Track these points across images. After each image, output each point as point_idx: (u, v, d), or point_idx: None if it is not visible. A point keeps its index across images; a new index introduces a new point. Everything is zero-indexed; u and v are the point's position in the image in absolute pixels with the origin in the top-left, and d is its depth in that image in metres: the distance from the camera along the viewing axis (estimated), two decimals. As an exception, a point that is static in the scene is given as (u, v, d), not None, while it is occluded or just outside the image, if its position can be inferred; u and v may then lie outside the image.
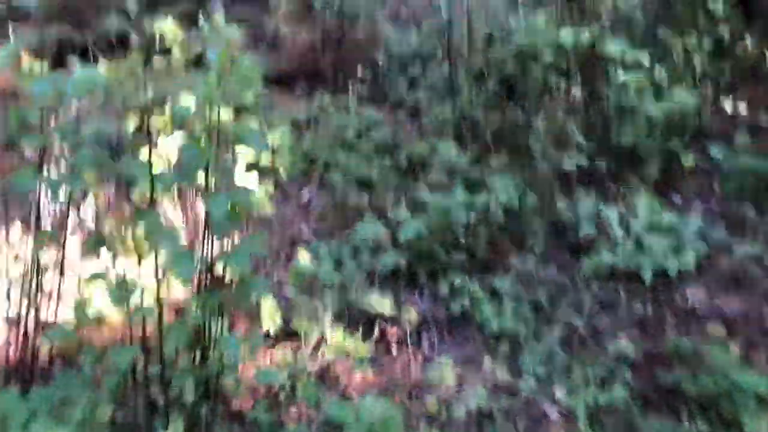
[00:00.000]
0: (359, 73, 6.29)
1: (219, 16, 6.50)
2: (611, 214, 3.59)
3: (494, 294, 3.34)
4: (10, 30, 7.05)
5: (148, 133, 2.41)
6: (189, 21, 7.75)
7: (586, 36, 3.81)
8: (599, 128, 4.16)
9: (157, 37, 3.74)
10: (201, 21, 4.77)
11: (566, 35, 3.92)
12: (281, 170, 3.81)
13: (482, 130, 4.47)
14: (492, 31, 4.70)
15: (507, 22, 4.71)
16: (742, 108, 4.55)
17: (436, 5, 7.81)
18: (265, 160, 3.70)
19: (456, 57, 5.38)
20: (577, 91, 4.23)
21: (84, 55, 7.05)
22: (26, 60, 2.96)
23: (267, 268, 3.75)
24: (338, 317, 3.14)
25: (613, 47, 3.91)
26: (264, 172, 3.77)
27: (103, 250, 2.38)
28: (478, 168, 4.10)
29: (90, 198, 3.32)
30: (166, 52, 3.99)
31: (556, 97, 4.20)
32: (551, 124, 4.05)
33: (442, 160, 4.04)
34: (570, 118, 4.04)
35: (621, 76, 4.04)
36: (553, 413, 2.64)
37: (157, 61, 3.78)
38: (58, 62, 6.43)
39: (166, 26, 3.86)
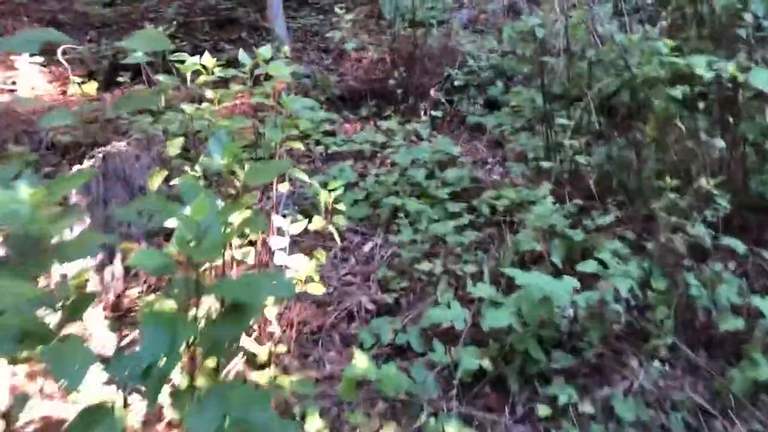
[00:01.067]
0: (432, 92, 5.47)
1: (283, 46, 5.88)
2: (765, 303, 2.68)
3: (611, 415, 2.49)
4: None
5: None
6: (245, 45, 7.12)
7: (728, 67, 2.88)
8: (739, 180, 3.23)
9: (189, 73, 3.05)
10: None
11: (700, 64, 3.01)
12: (340, 221, 3.07)
13: (584, 173, 3.59)
14: (596, 49, 3.80)
15: (612, 39, 3.79)
16: None
17: (523, 11, 6.91)
18: (319, 221, 2.97)
19: (548, 76, 4.49)
20: (709, 132, 3.30)
21: (137, 73, 6.56)
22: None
23: (318, 354, 3.02)
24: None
25: (762, 79, 2.97)
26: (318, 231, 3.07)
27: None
28: (582, 231, 3.23)
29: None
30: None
31: (681, 137, 3.28)
32: (678, 173, 3.14)
33: (536, 215, 3.20)
34: (701, 166, 3.12)
35: (772, 115, 3.09)
36: None
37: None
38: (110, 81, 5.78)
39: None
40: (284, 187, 2.97)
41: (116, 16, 8.11)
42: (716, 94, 2.99)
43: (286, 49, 5.81)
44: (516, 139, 4.62)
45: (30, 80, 6.10)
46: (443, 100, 5.40)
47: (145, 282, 3.26)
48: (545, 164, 3.56)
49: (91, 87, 6.21)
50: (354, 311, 3.30)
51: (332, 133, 5.29)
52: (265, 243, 2.72)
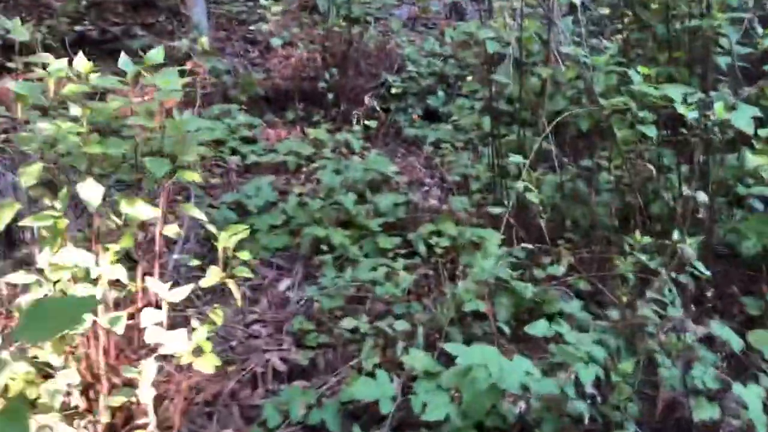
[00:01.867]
0: (366, 99, 4.90)
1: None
2: (748, 393, 2.24)
3: None
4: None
5: None
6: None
7: (715, 105, 2.43)
8: (707, 229, 2.80)
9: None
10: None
11: (676, 96, 2.54)
12: (243, 272, 2.47)
13: (533, 210, 3.10)
14: (553, 66, 3.31)
15: (572, 57, 3.30)
16: None
17: (467, 11, 6.42)
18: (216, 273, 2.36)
19: (497, 87, 3.96)
20: (674, 171, 2.86)
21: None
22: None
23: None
24: None
25: (745, 119, 2.54)
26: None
27: None
28: (532, 284, 2.74)
29: None
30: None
31: (651, 178, 2.83)
32: (642, 220, 2.69)
33: (479, 267, 2.67)
34: (675, 219, 2.67)
35: (751, 159, 2.67)
36: None
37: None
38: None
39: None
40: (171, 231, 2.35)
41: (16, -10, 7.17)
42: (698, 134, 2.53)
43: (205, 40, 5.13)
44: (457, 160, 4.11)
45: None
46: (378, 108, 4.84)
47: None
48: (493, 210, 3.04)
49: (-25, 72, 5.38)
50: (260, 373, 2.71)
51: (252, 140, 4.65)
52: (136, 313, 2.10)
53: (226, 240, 2.36)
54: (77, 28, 6.29)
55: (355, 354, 2.71)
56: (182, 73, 4.89)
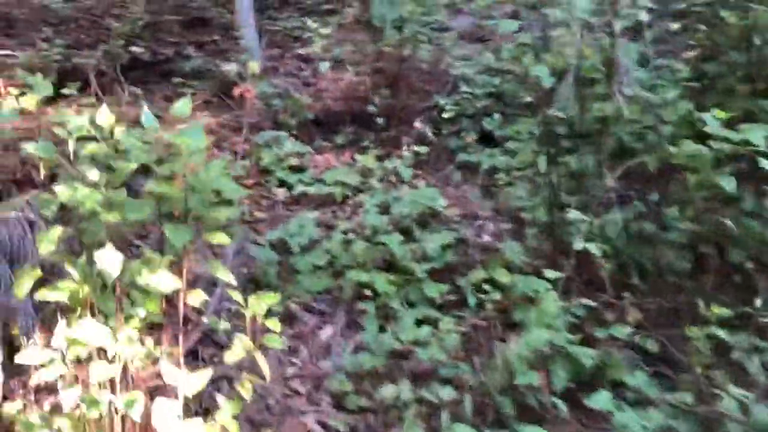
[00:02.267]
0: (417, 123, 4.68)
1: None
2: None
3: None
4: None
5: None
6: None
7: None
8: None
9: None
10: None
11: (758, 140, 2.22)
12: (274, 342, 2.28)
13: (595, 259, 2.81)
14: (613, 96, 3.01)
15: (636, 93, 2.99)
16: None
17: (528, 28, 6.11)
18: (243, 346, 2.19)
19: (553, 109, 3.67)
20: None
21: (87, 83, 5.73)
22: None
23: None
24: None
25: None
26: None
27: None
28: (594, 352, 2.46)
29: None
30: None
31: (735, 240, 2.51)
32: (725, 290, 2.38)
33: (535, 336, 2.42)
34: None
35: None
36: None
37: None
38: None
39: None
40: (197, 300, 2.19)
41: (76, 12, 7.27)
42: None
43: (255, 63, 5.00)
44: (513, 191, 3.84)
45: (-38, 90, 5.29)
46: (429, 132, 4.61)
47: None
48: (550, 273, 2.77)
49: (31, 101, 5.41)
50: (296, 440, 2.54)
51: (300, 168, 4.50)
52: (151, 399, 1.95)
53: (255, 306, 2.19)
54: (132, 49, 6.28)
55: (397, 422, 2.51)
56: (230, 98, 4.77)
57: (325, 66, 4.72)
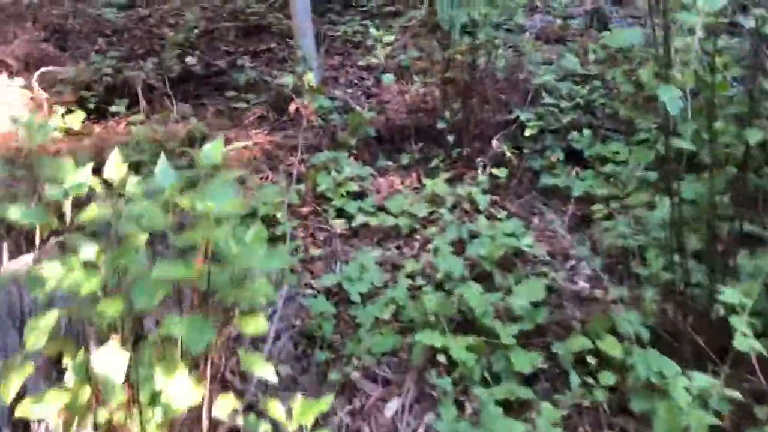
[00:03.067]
0: (495, 142, 4.08)
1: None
2: None
3: None
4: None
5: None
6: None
7: None
8: None
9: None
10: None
11: None
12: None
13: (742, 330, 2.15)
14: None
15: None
16: None
17: (616, 18, 5.44)
18: None
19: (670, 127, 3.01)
20: None
21: (136, 99, 5.35)
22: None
23: None
24: None
25: None
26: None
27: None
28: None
29: None
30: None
31: None
32: None
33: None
34: None
35: None
36: None
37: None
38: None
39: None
40: (224, 411, 1.67)
41: (131, 22, 6.95)
42: None
43: (312, 75, 4.49)
44: (614, 227, 3.20)
45: (9, 108, 4.98)
46: (508, 151, 4.00)
47: None
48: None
49: (77, 119, 5.08)
50: None
51: (361, 194, 3.96)
52: None
53: (301, 417, 1.66)
54: (186, 60, 5.89)
55: None
56: (285, 114, 4.25)
57: (389, 78, 4.17)
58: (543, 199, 3.85)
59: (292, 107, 4.44)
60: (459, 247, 3.37)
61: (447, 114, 4.16)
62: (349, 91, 5.54)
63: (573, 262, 3.26)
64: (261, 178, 4.29)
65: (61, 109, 4.93)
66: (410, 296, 3.01)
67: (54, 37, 6.60)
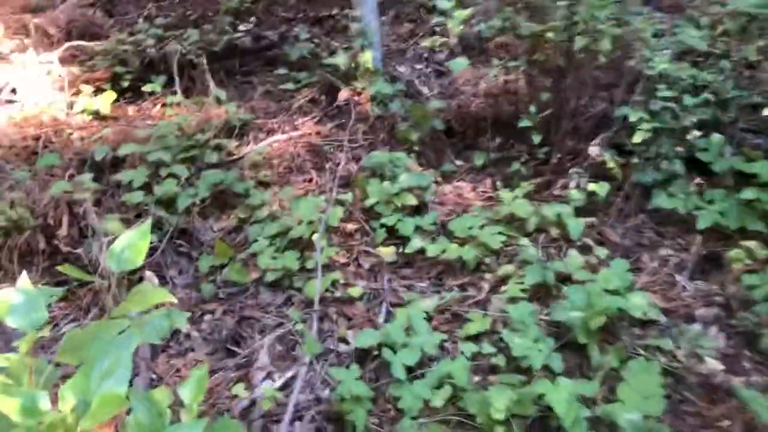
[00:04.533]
0: (593, 149, 3.16)
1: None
2: None
3: None
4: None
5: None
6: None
7: None
8: None
9: None
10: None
11: None
12: None
13: None
14: None
15: None
16: None
17: None
18: None
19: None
20: None
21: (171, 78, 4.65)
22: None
23: None
24: None
25: None
26: None
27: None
28: None
29: None
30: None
31: None
32: None
33: None
34: None
35: None
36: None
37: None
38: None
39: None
40: None
41: (184, -16, 6.26)
42: None
43: (369, 56, 3.68)
44: (761, 284, 2.28)
45: (35, 86, 4.41)
46: (611, 160, 3.07)
47: None
48: None
49: (106, 100, 4.46)
50: None
51: (419, 209, 3.16)
52: None
53: None
54: (240, 28, 5.15)
55: None
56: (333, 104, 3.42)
57: (460, 64, 3.28)
58: (655, 226, 2.94)
59: (341, 95, 3.65)
60: (542, 295, 2.54)
61: (533, 108, 3.25)
62: (418, 67, 4.68)
63: (698, 327, 2.37)
64: (305, 180, 3.55)
65: (90, 88, 4.33)
66: (472, 370, 2.23)
67: (101, 1, 6.00)
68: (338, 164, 3.60)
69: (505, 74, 3.45)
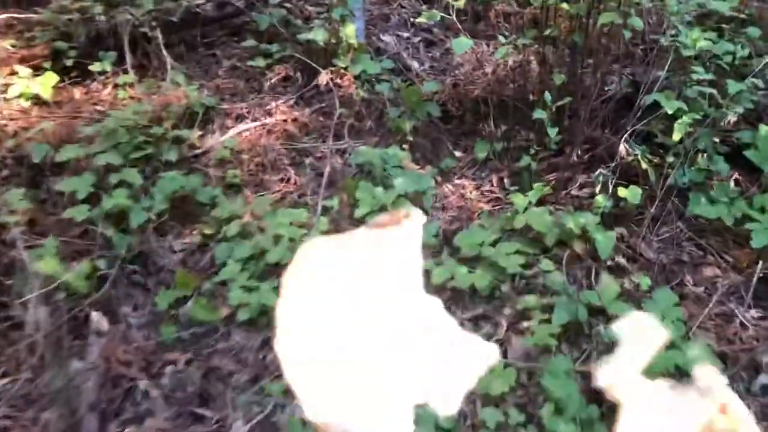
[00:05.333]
0: (623, 146, 2.69)
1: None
2: None
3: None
4: None
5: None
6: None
7: None
8: None
9: None
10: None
11: None
12: None
13: None
14: None
15: None
16: None
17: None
18: None
19: None
20: None
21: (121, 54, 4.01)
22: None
23: None
24: None
25: None
26: None
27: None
28: None
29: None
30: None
31: None
32: None
33: None
34: None
35: None
36: None
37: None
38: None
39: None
40: None
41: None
42: None
43: (352, 29, 3.15)
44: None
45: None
46: (642, 159, 2.60)
47: None
48: None
49: (47, 83, 3.85)
50: None
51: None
52: None
53: None
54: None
55: None
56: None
57: (464, 44, 2.73)
58: (695, 237, 2.50)
59: (321, 79, 3.11)
60: (572, 334, 2.11)
61: (546, 94, 2.74)
62: (404, 35, 4.14)
63: (763, 383, 1.96)
64: (281, 180, 3.04)
65: (28, 70, 3.71)
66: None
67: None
68: (319, 158, 3.10)
69: (513, 52, 2.92)
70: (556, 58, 2.99)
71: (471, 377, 0.58)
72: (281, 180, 3.04)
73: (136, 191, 2.72)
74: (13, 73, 3.71)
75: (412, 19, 4.34)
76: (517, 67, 3.01)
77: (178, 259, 2.57)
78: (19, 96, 3.61)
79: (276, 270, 2.42)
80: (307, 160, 3.14)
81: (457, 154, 3.20)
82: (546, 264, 2.38)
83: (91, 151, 2.85)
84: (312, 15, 4.17)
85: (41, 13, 4.10)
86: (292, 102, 3.50)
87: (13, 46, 3.92)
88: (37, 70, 3.76)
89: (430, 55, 3.91)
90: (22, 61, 3.82)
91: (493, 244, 2.43)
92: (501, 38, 2.88)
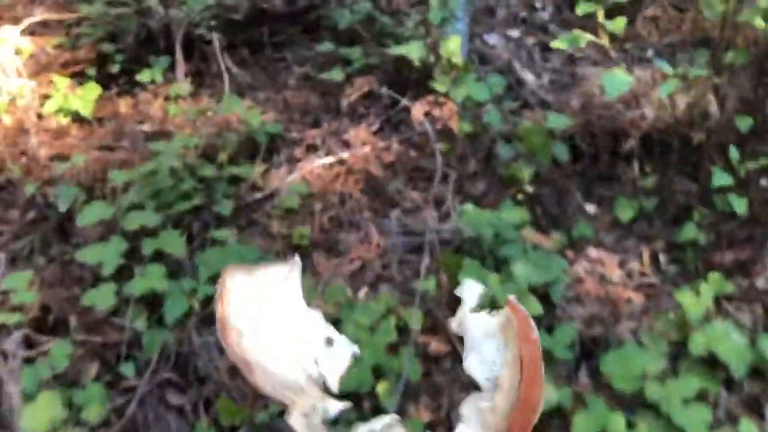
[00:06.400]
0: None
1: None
2: None
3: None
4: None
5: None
6: None
7: None
8: None
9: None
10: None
11: None
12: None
13: None
14: None
15: None
16: None
17: None
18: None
19: None
20: None
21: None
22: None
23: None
24: None
25: None
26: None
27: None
28: None
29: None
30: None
31: None
32: None
33: None
34: None
35: None
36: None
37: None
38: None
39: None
40: None
41: None
42: None
43: (454, 45, 2.44)
44: None
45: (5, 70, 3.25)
46: None
47: None
48: None
49: (88, 97, 3.29)
50: None
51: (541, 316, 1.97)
52: None
53: None
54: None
55: None
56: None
57: (622, 82, 1.92)
58: None
59: (415, 114, 2.39)
60: None
61: (732, 151, 1.95)
62: (514, 35, 3.36)
63: None
64: (360, 242, 2.37)
65: (66, 81, 3.14)
66: None
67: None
68: (409, 212, 2.42)
69: (683, 87, 2.12)
70: (737, 92, 2.17)
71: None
72: (360, 241, 2.38)
73: (177, 265, 2.12)
74: (49, 83, 3.16)
75: (522, 14, 3.56)
76: (693, 107, 2.19)
77: (227, 365, 1.96)
78: (57, 112, 3.06)
79: (356, 394, 1.77)
80: (394, 213, 2.45)
81: (589, 209, 2.44)
82: (732, 403, 1.64)
83: (122, 204, 2.25)
84: (401, 8, 3.45)
85: (91, 3, 3.51)
86: (375, 127, 2.81)
87: (55, 47, 3.37)
88: (80, 77, 3.21)
89: (548, 64, 3.12)
90: (65, 66, 3.28)
91: (661, 381, 1.70)
92: (664, 65, 2.08)
